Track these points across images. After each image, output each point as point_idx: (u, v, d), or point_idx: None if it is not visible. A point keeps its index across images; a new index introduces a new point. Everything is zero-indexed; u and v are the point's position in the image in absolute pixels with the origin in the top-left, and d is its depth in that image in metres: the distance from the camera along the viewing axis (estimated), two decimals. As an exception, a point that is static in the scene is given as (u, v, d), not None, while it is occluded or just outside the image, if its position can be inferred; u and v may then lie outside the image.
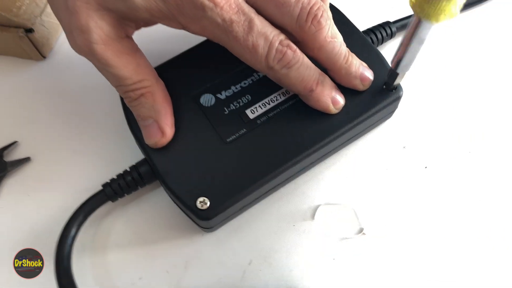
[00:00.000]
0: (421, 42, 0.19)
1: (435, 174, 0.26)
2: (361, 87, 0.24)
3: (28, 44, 0.28)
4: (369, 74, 0.24)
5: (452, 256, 0.24)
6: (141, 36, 0.23)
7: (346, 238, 0.24)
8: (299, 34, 0.22)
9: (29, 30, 0.28)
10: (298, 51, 0.22)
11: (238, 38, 0.21)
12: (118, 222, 0.25)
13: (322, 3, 0.22)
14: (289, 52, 0.22)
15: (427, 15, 0.17)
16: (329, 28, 0.22)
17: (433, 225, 0.24)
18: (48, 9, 0.29)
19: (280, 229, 0.25)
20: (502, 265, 0.23)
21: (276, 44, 0.22)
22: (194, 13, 0.21)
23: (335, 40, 0.23)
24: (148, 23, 0.22)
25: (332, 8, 0.26)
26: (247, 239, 0.25)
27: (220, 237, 0.25)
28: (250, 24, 0.21)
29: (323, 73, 0.23)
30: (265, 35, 0.21)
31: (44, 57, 0.30)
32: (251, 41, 0.21)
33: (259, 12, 0.22)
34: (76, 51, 0.22)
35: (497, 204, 0.25)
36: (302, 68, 0.22)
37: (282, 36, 0.22)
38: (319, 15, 0.22)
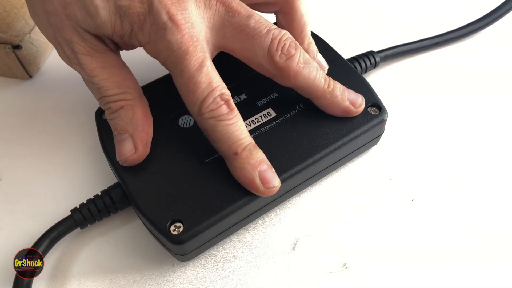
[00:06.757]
0: None
1: (422, 207, 0.24)
2: (353, 110, 0.24)
3: (15, 61, 0.28)
4: (357, 97, 0.24)
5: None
6: (133, 55, 0.24)
7: (328, 271, 0.22)
8: (272, 64, 0.22)
9: (17, 47, 0.28)
10: (235, 111, 0.21)
11: (185, 72, 0.21)
12: (85, 250, 0.24)
13: (289, 34, 0.22)
14: (224, 107, 0.21)
15: None
16: (300, 55, 0.22)
17: (418, 260, 0.23)
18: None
19: (258, 261, 0.23)
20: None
21: (216, 94, 0.21)
22: (154, 31, 0.21)
23: (309, 65, 0.23)
24: (121, 43, 0.22)
25: (315, 36, 0.27)
26: (221, 270, 0.23)
27: (192, 269, 0.23)
28: (202, 63, 0.21)
29: (255, 145, 0.22)
30: (210, 80, 0.21)
31: (30, 76, 0.30)
32: (195, 80, 0.21)
33: (231, 44, 0.22)
34: (65, 61, 0.23)
35: (485, 237, 0.23)
36: (232, 127, 0.21)
37: (226, 90, 0.21)
38: (288, 44, 0.22)
